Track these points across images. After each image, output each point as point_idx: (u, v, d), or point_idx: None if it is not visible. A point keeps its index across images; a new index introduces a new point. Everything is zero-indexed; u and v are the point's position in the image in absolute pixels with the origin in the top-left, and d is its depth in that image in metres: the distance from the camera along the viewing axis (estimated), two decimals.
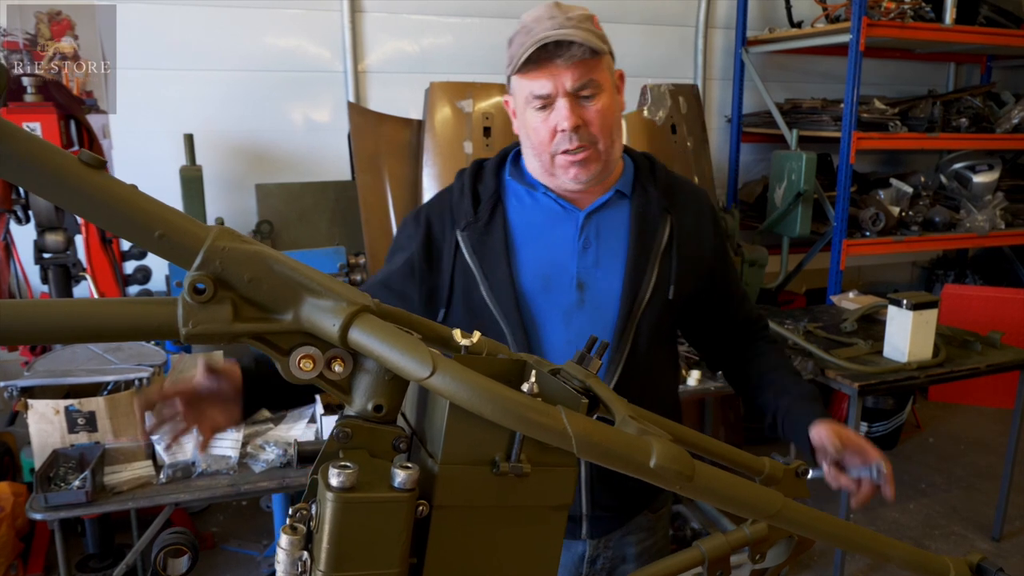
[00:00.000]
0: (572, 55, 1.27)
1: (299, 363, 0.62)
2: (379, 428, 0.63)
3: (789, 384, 1.48)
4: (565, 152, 1.34)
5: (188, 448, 2.08)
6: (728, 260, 1.56)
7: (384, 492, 0.58)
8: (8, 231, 2.96)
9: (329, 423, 2.23)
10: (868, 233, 4.33)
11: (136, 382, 2.14)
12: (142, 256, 3.49)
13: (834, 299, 4.00)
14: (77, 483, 1.90)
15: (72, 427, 2.03)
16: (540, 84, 1.31)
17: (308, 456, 2.08)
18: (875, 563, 3.41)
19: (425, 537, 0.62)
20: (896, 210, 4.44)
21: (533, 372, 0.63)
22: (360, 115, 3.92)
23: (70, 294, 2.97)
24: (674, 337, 1.58)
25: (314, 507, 0.60)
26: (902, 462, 4.30)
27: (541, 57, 1.28)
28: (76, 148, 3.01)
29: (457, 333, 0.71)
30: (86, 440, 2.05)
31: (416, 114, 4.02)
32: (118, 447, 2.04)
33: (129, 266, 3.45)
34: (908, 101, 4.48)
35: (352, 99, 4.13)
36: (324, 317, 0.60)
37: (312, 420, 2.34)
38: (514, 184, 1.46)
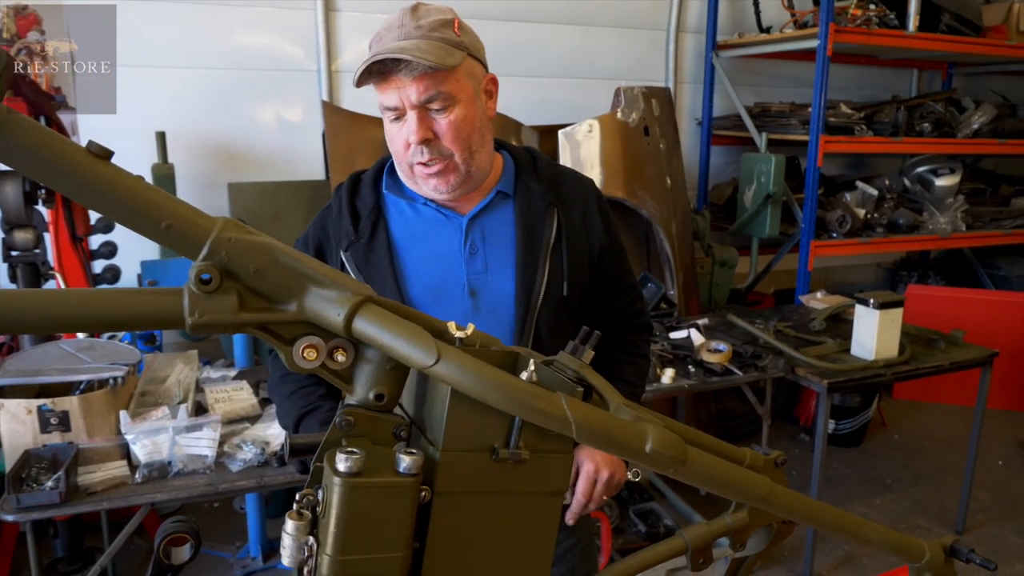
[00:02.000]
0: (412, 69, 1.23)
1: (302, 352, 0.63)
2: (380, 416, 0.64)
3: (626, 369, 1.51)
4: (420, 163, 1.32)
5: (164, 447, 2.06)
6: (617, 248, 1.53)
7: (389, 477, 0.60)
8: None
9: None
10: (835, 235, 4.43)
11: (110, 381, 2.11)
12: (111, 255, 3.44)
13: (803, 299, 4.08)
14: (50, 484, 1.87)
15: (45, 427, 2.00)
16: (387, 96, 1.28)
17: (301, 449, 2.07)
18: (843, 558, 3.48)
19: (427, 522, 0.64)
20: (862, 212, 4.55)
21: (531, 361, 0.65)
22: (335, 114, 3.91)
23: None
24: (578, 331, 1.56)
25: (320, 493, 0.61)
26: (868, 459, 4.40)
27: (383, 69, 1.24)
28: None
29: (452, 326, 0.73)
30: (59, 440, 2.02)
31: None
32: (92, 447, 2.02)
33: (98, 265, 3.40)
34: (873, 106, 4.59)
35: (325, 99, 4.12)
36: (328, 307, 0.61)
37: None
38: (393, 197, 1.43)
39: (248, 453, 2.12)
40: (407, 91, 1.25)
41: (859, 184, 4.79)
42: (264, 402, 2.49)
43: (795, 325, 3.57)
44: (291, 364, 0.63)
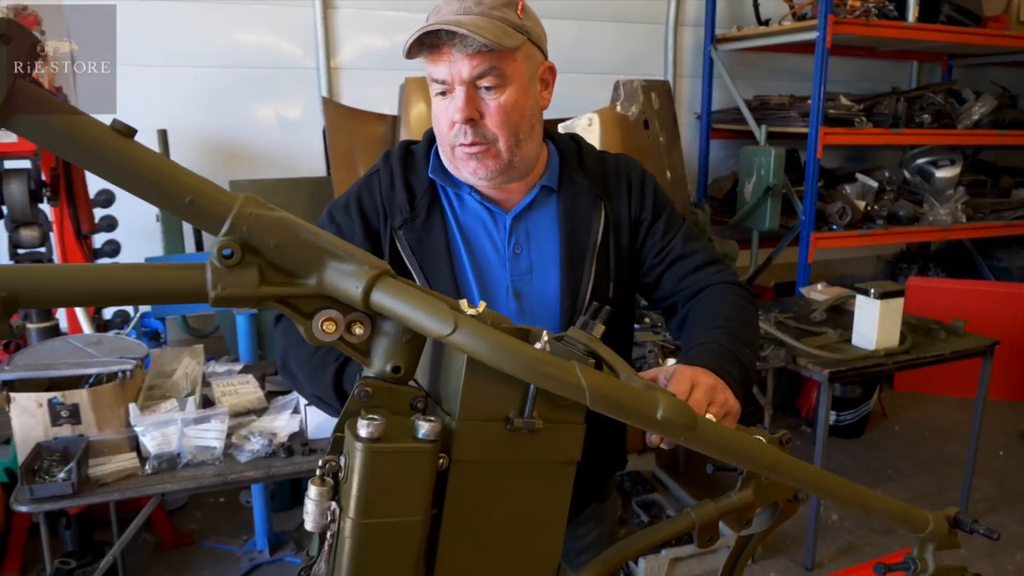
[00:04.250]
0: (467, 45, 1.16)
1: (321, 326, 0.64)
2: (397, 388, 0.66)
3: (704, 323, 1.29)
4: (462, 144, 1.24)
5: (173, 439, 2.08)
6: (673, 223, 1.42)
7: (410, 443, 0.61)
8: None
9: (313, 413, 2.24)
10: (835, 227, 4.44)
11: (119, 374, 2.13)
12: (115, 254, 3.46)
13: (803, 291, 4.10)
14: (62, 475, 1.89)
15: (55, 420, 2.02)
16: (438, 69, 1.20)
17: None
18: (845, 547, 3.51)
19: (445, 489, 0.65)
20: (862, 204, 4.56)
21: (544, 333, 0.67)
22: (335, 110, 3.93)
23: None
24: (627, 329, 1.47)
25: (342, 459, 0.63)
26: (869, 449, 4.42)
27: (436, 42, 1.18)
28: None
29: (464, 303, 0.74)
30: (70, 433, 2.04)
31: (389, 111, 4.04)
32: (102, 439, 2.03)
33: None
34: (873, 98, 4.60)
35: (325, 96, 4.13)
36: (347, 281, 0.63)
37: (296, 411, 2.35)
38: (440, 183, 1.34)
39: (256, 444, 2.14)
40: (459, 66, 1.18)
41: (859, 176, 4.81)
42: (270, 395, 2.51)
43: (796, 316, 3.59)
44: (310, 337, 0.65)
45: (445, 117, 1.24)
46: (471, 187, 1.32)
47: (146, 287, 0.61)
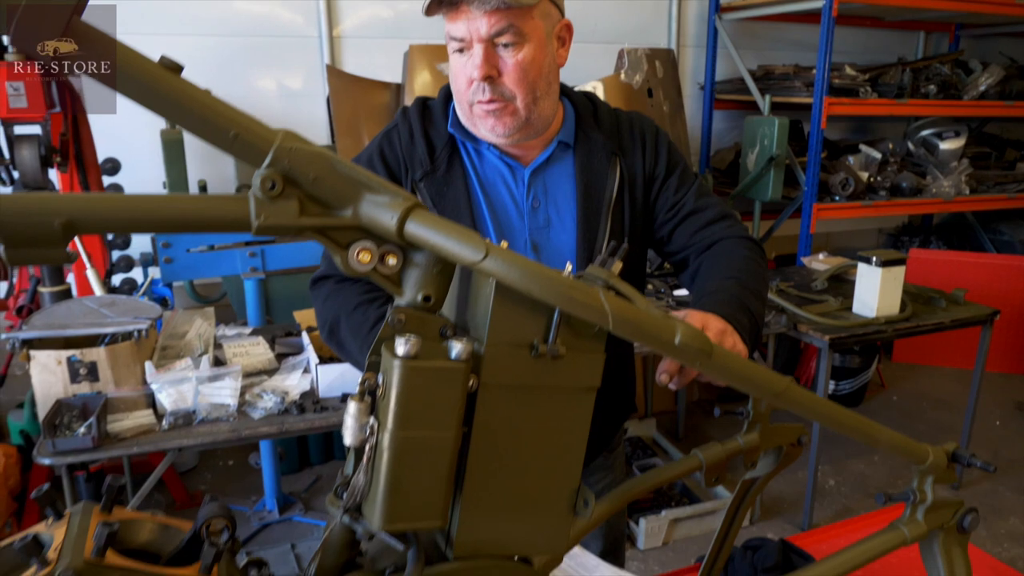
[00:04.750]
0: (485, 2, 1.17)
1: (357, 256, 0.68)
2: (428, 316, 0.70)
3: (715, 274, 1.32)
4: (480, 102, 1.27)
5: (188, 396, 2.12)
6: (686, 180, 1.44)
7: (443, 362, 0.65)
8: None
9: (324, 372, 2.29)
10: (838, 198, 4.47)
11: (135, 333, 2.17)
12: None
13: (804, 261, 4.13)
14: (83, 430, 1.94)
15: (74, 377, 2.06)
16: (456, 26, 1.22)
17: None
18: (841, 510, 3.58)
19: (474, 410, 0.69)
20: (865, 175, 4.58)
21: (568, 263, 0.70)
22: (338, 78, 3.93)
23: None
24: (639, 285, 1.50)
25: (380, 377, 0.67)
26: (867, 417, 4.47)
27: (455, 0, 1.20)
28: (58, 109, 3.00)
29: (487, 242, 0.77)
30: (88, 390, 2.09)
31: (393, 80, 4.05)
32: (120, 396, 2.08)
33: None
34: (878, 68, 4.60)
35: (329, 64, 4.14)
36: (382, 212, 0.66)
37: (306, 371, 2.40)
38: (460, 137, 1.37)
39: (268, 402, 2.19)
40: (477, 23, 1.19)
41: (862, 147, 4.82)
42: (280, 357, 2.56)
43: (797, 285, 3.62)
44: (346, 268, 0.68)
45: (463, 74, 1.27)
46: (490, 142, 1.35)
47: (194, 216, 0.64)
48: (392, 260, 0.69)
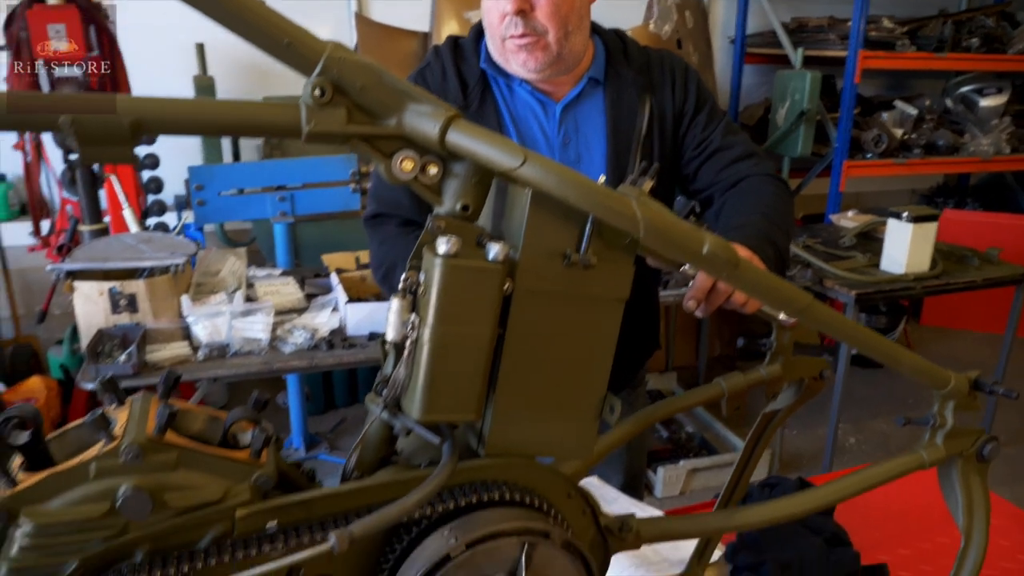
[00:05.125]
0: None
1: (400, 164, 0.71)
2: (466, 225, 0.73)
3: (741, 210, 1.33)
4: (512, 36, 1.29)
5: (222, 329, 2.19)
6: (715, 118, 1.46)
7: (482, 262, 0.69)
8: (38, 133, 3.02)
9: (352, 310, 2.34)
10: (869, 155, 4.39)
11: (171, 268, 2.24)
12: (155, 166, 3.56)
13: (833, 218, 4.10)
14: (123, 357, 2.02)
15: (115, 308, 2.14)
16: None
17: None
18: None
19: (508, 315, 0.73)
20: (899, 132, 4.49)
21: (601, 176, 0.73)
22: (367, 27, 3.93)
23: (96, 194, 3.05)
24: None
25: (421, 276, 0.70)
26: (891, 380, 4.47)
27: None
28: (97, 52, 3.04)
29: None
30: (127, 321, 2.16)
31: (420, 29, 4.03)
32: (157, 327, 2.16)
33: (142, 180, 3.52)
34: (918, 21, 4.47)
35: (356, 12, 4.13)
36: (425, 121, 0.69)
37: (335, 309, 2.46)
38: (491, 72, 1.40)
39: (299, 338, 2.26)
40: None
41: (897, 103, 4.72)
42: (309, 297, 2.62)
43: (824, 241, 3.60)
44: (389, 176, 0.72)
45: (496, 9, 1.29)
46: (522, 78, 1.37)
47: (250, 121, 0.67)
48: (433, 170, 0.72)
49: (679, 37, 4.04)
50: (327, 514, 0.73)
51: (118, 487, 0.67)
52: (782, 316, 1.07)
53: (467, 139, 0.68)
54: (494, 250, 0.69)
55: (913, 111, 4.64)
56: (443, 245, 0.67)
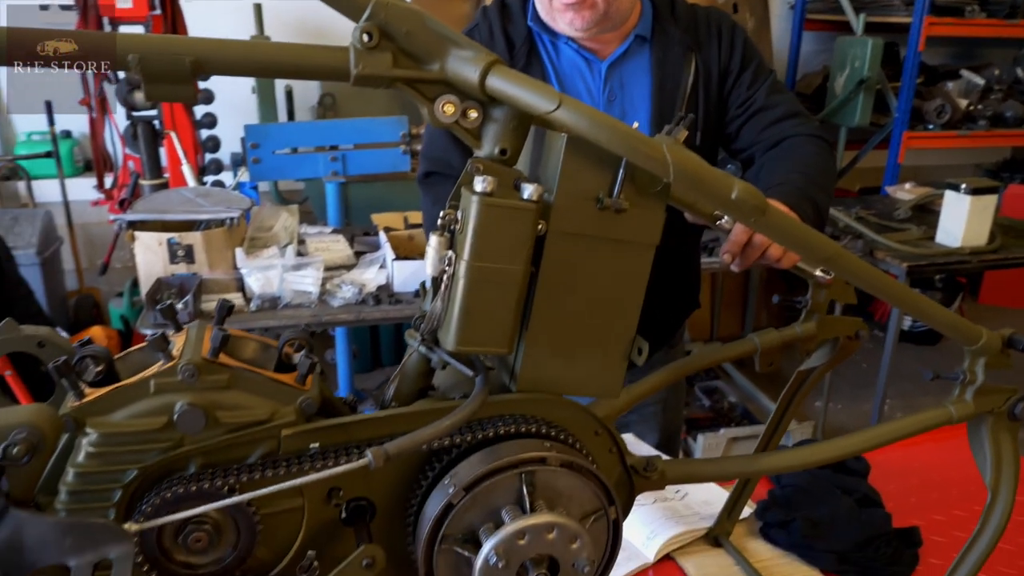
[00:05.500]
0: None
1: (442, 108, 0.74)
2: (504, 168, 0.76)
3: (781, 169, 1.33)
4: None
5: (274, 282, 2.27)
6: (758, 78, 1.45)
7: (516, 200, 0.72)
8: (102, 88, 3.14)
9: (399, 267, 2.40)
10: (931, 126, 4.26)
11: (227, 221, 2.32)
12: (212, 126, 3.66)
13: (889, 190, 4.01)
14: (180, 305, 2.11)
15: (173, 258, 2.23)
16: None
17: None
18: None
19: (541, 255, 0.76)
20: (964, 103, 4.34)
21: (635, 121, 0.75)
22: None
23: (157, 150, 3.16)
24: None
25: (459, 214, 0.74)
26: (943, 357, 4.39)
27: None
28: (159, 11, 3.13)
29: None
30: (184, 271, 2.26)
31: None
32: (213, 278, 2.25)
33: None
34: None
35: None
36: (466, 67, 0.72)
37: (383, 266, 2.52)
38: (538, 31, 1.42)
39: (347, 292, 2.33)
40: None
41: (964, 73, 4.55)
42: (358, 254, 2.69)
43: (878, 213, 3.52)
44: (432, 119, 0.75)
45: None
46: (568, 36, 1.39)
47: (301, 62, 0.71)
48: (473, 114, 0.75)
49: (735, 1, 3.96)
50: (365, 438, 0.78)
51: (175, 403, 0.72)
52: (818, 273, 1.07)
53: (505, 84, 0.71)
54: (528, 190, 0.72)
55: (980, 81, 4.47)
56: (479, 184, 0.71)
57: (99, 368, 0.74)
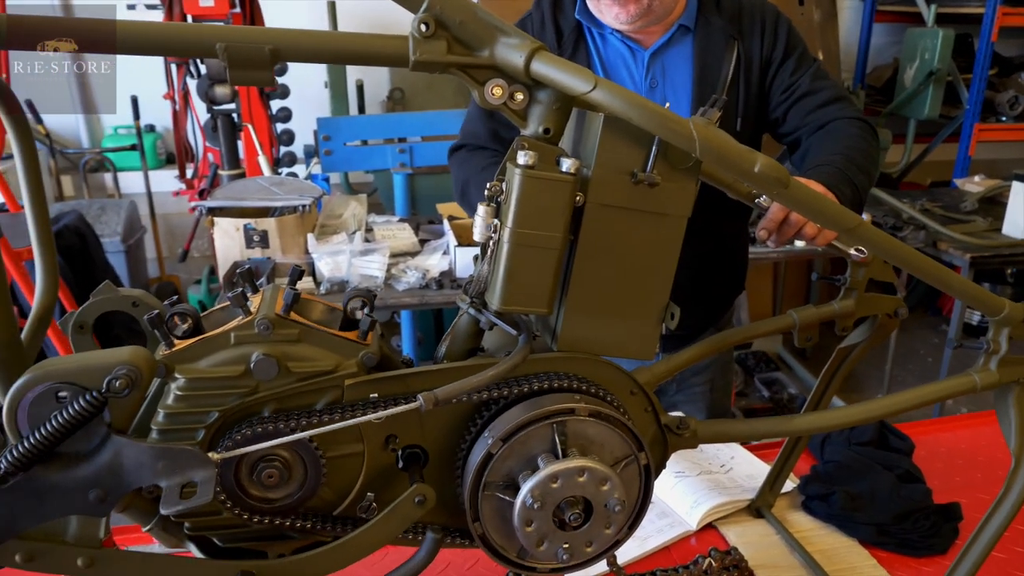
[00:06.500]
0: None
1: (491, 91, 0.82)
2: (546, 145, 0.84)
3: (823, 151, 1.36)
4: None
5: (343, 266, 2.40)
6: (802, 65, 1.49)
7: (556, 173, 0.80)
8: (185, 83, 3.34)
9: (461, 254, 2.50)
10: (1004, 118, 4.15)
11: (300, 208, 2.46)
12: (287, 119, 3.83)
13: (958, 182, 3.92)
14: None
15: (249, 243, 2.38)
16: None
17: None
18: None
19: (580, 225, 0.83)
20: None
21: (667, 103, 0.82)
22: None
23: (235, 143, 3.35)
24: None
25: (504, 186, 0.82)
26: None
27: None
28: (238, 9, 3.31)
29: None
30: (259, 255, 2.40)
31: None
32: (285, 262, 2.39)
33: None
34: None
35: None
36: (512, 53, 0.80)
37: (445, 253, 2.62)
38: (585, 23, 1.49)
39: (412, 277, 2.43)
40: None
41: None
42: (423, 242, 2.80)
43: (945, 205, 3.46)
44: (482, 101, 0.83)
45: None
46: (613, 28, 1.46)
47: (367, 50, 0.80)
48: (520, 96, 0.83)
49: None
50: (420, 389, 0.86)
51: (251, 353, 0.82)
52: (852, 251, 1.11)
53: (548, 68, 0.78)
54: (567, 164, 0.79)
55: None
56: (522, 158, 0.79)
57: (187, 324, 0.85)
